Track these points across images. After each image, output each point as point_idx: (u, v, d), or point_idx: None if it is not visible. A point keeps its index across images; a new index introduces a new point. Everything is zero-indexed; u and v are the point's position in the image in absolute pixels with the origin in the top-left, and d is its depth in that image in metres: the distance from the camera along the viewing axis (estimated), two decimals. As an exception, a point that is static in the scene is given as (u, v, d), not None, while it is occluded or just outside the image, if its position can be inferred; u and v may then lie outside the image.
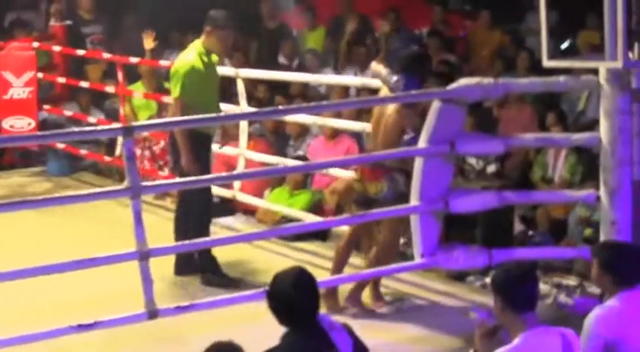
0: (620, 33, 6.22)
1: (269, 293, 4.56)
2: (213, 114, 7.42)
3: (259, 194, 9.71)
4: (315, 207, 9.24)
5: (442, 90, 6.71)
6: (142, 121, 9.84)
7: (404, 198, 6.78)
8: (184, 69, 7.71)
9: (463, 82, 6.78)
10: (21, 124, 11.44)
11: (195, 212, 7.66)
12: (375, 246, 7.09)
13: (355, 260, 7.46)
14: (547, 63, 6.60)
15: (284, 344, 4.46)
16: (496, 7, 12.99)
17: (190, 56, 7.79)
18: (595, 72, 6.76)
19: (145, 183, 6.08)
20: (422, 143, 6.60)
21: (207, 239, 6.93)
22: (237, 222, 9.50)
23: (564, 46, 11.72)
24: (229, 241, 7.24)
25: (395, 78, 6.85)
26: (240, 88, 9.24)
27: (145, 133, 9.99)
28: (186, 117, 7.02)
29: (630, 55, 6.35)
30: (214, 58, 7.97)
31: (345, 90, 10.77)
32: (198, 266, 7.73)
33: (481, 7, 13.25)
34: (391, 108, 6.94)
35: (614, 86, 6.46)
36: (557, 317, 6.24)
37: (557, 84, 6.99)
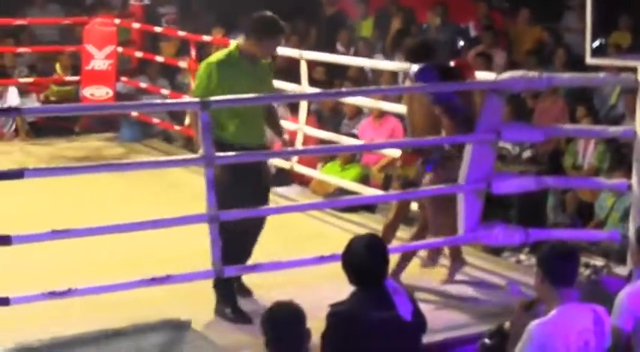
0: (659, 35, 6.15)
1: (344, 253, 4.60)
2: (279, 94, 7.14)
3: (313, 166, 9.68)
4: (363, 181, 9.21)
5: (491, 81, 6.66)
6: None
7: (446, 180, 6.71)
8: (202, 66, 6.57)
9: (509, 74, 6.72)
10: (100, 93, 11.52)
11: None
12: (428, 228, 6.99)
13: (402, 234, 7.38)
14: (590, 60, 6.54)
15: (350, 299, 4.52)
16: (534, 6, 12.86)
17: (217, 53, 6.64)
18: (621, 70, 6.70)
19: (218, 154, 6.02)
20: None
21: (269, 207, 6.70)
22: (292, 192, 9.47)
23: (595, 44, 11.57)
24: (287, 210, 7.21)
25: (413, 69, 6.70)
26: (303, 68, 9.17)
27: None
28: (252, 95, 6.38)
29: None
30: (262, 63, 6.62)
31: (393, 75, 10.74)
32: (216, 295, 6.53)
33: (520, 4, 13.14)
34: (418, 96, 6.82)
35: (651, 84, 6.38)
36: (588, 295, 6.16)
37: (597, 79, 6.93)
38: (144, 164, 6.53)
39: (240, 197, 6.19)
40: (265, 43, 6.47)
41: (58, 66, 12.22)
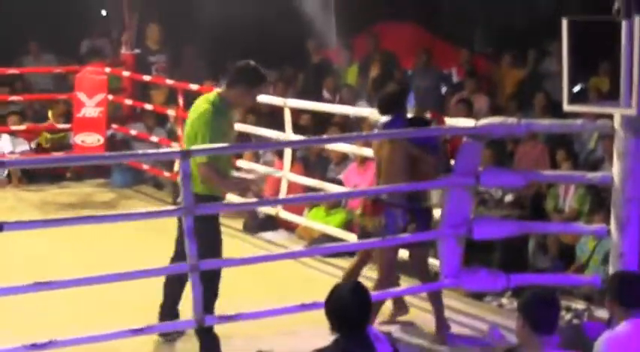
0: (635, 83, 6.01)
1: (328, 299, 4.47)
2: (264, 142, 7.14)
3: (299, 212, 9.54)
4: (348, 226, 9.05)
5: (471, 127, 6.53)
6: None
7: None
8: (202, 119, 6.24)
9: (488, 120, 6.59)
10: (91, 140, 11.39)
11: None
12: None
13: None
14: (567, 107, 6.40)
15: (332, 346, 4.38)
16: (515, 51, 12.79)
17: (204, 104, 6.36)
18: (603, 116, 6.57)
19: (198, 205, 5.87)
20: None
21: (254, 256, 6.58)
22: (279, 237, 9.33)
23: (576, 89, 11.48)
24: (276, 258, 7.05)
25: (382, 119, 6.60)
26: (287, 116, 9.03)
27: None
28: (238, 144, 6.60)
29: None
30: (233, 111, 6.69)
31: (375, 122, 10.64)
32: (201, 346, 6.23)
33: (503, 50, 13.07)
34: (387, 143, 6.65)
35: (627, 131, 6.24)
36: (568, 340, 6.00)
37: (574, 126, 6.81)
38: (125, 216, 6.34)
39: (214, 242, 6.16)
40: (253, 92, 6.36)
41: (50, 113, 12.10)
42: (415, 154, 6.48)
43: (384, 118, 6.58)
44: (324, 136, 9.35)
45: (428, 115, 6.86)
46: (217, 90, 6.42)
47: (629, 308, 5.04)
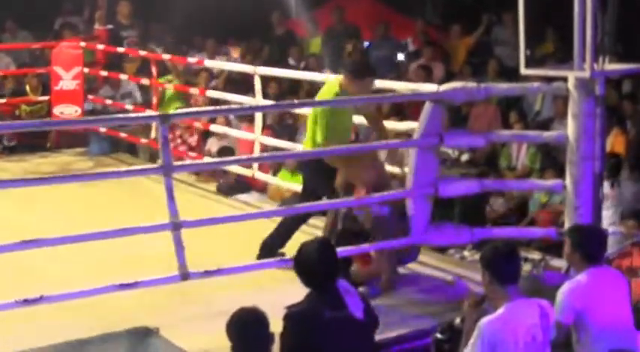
0: (588, 47, 5.97)
1: (296, 257, 4.46)
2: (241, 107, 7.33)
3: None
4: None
5: (434, 92, 6.43)
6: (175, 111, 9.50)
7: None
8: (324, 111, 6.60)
9: (450, 85, 6.50)
10: (69, 111, 11.16)
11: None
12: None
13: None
14: (524, 71, 6.34)
15: (305, 301, 4.38)
16: (464, 22, 12.75)
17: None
18: (544, 79, 6.54)
19: (175, 163, 5.78)
20: (416, 136, 6.31)
21: (235, 214, 6.53)
22: (252, 199, 9.21)
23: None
24: (253, 216, 6.94)
25: None
26: (257, 83, 8.87)
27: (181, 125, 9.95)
28: (213, 108, 6.52)
29: (595, 66, 6.08)
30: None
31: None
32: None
33: (451, 20, 13.04)
34: None
35: (581, 92, 6.18)
36: (531, 288, 5.97)
37: (531, 88, 6.73)
38: (108, 174, 6.21)
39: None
40: (361, 83, 6.58)
41: (28, 87, 11.87)
42: None
43: None
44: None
45: None
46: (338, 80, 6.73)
47: (587, 260, 5.05)
